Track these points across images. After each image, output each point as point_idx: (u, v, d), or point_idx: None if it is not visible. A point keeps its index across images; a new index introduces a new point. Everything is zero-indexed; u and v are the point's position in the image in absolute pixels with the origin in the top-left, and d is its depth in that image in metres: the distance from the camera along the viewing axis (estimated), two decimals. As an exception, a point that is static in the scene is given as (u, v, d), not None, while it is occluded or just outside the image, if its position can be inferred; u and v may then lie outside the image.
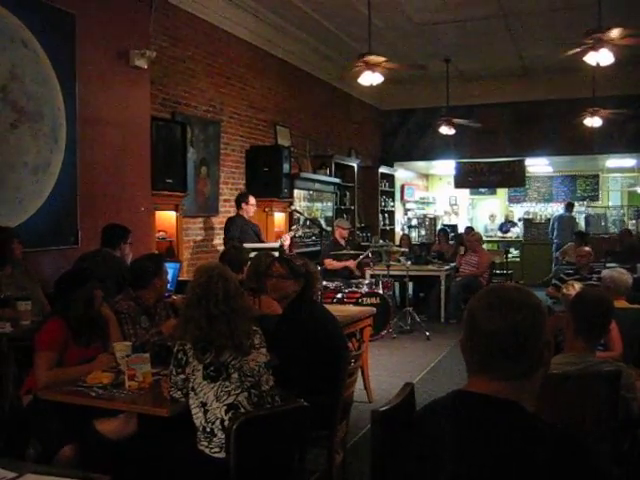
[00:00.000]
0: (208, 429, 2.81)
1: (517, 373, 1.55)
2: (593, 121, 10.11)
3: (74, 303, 3.55)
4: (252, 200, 7.85)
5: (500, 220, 16.59)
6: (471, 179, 14.05)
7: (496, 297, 1.60)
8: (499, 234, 15.96)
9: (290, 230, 8.48)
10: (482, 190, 16.48)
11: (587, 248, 7.36)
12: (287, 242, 8.05)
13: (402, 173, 15.06)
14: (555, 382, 2.78)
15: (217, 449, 2.78)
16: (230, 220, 7.78)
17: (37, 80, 5.16)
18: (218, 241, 8.05)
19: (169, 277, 4.60)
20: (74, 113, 5.48)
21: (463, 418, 1.55)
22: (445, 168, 15.53)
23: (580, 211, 15.32)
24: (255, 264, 4.84)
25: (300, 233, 8.89)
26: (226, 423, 2.76)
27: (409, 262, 9.45)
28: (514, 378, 1.55)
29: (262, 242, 7.72)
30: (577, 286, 4.82)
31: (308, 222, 9.17)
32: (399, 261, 9.60)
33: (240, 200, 7.81)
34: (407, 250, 10.16)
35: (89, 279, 3.68)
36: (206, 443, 2.82)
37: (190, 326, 2.90)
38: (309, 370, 3.50)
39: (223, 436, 2.76)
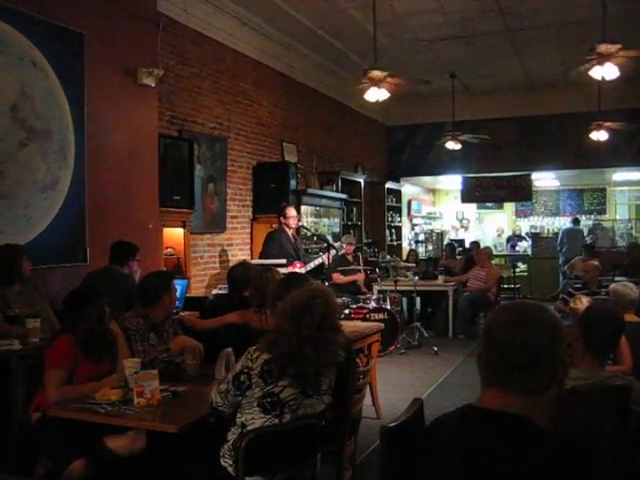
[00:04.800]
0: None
1: (530, 388, 1.55)
2: (599, 135, 10.11)
3: (85, 319, 3.57)
4: (290, 212, 7.67)
5: (508, 234, 16.57)
6: (478, 194, 14.06)
7: (515, 312, 1.62)
8: (507, 248, 15.93)
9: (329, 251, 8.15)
10: (489, 205, 16.50)
11: (594, 262, 7.31)
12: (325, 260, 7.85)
13: (409, 188, 15.08)
14: (564, 397, 2.76)
15: None
16: (269, 235, 7.63)
17: (46, 99, 5.21)
18: (225, 257, 8.06)
19: (177, 294, 4.61)
20: (83, 131, 5.52)
21: (471, 433, 1.55)
22: (452, 183, 15.54)
23: (587, 225, 15.30)
24: (254, 280, 4.84)
25: (342, 251, 8.70)
26: None
27: (417, 277, 9.45)
28: (526, 393, 1.55)
29: (298, 260, 7.55)
30: (585, 300, 4.80)
31: (315, 238, 9.18)
32: (407, 276, 9.59)
33: (279, 214, 7.66)
34: (414, 265, 10.15)
35: (98, 296, 3.70)
36: (230, 461, 2.78)
37: (281, 339, 2.77)
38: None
39: None
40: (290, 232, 7.71)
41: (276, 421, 2.76)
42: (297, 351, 2.73)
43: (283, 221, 7.62)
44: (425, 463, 1.61)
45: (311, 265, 7.61)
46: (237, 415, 2.82)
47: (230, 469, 2.78)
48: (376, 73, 6.73)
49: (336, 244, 8.56)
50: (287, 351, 2.73)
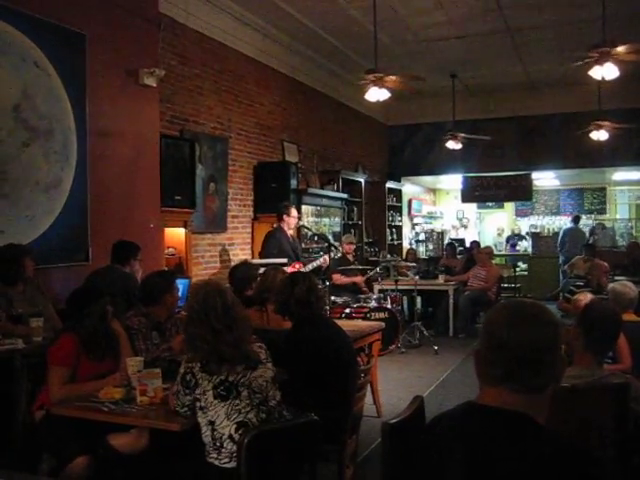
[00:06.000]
0: (218, 443, 2.83)
1: (531, 386, 1.56)
2: (599, 134, 10.11)
3: (87, 318, 3.59)
4: (294, 212, 7.72)
5: (508, 234, 16.57)
6: (478, 193, 14.08)
7: (519, 311, 1.63)
8: (507, 248, 15.93)
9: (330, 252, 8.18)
10: (489, 204, 16.50)
11: (605, 263, 7.39)
12: (325, 263, 7.87)
13: (409, 188, 15.09)
14: (563, 395, 2.78)
15: (227, 459, 2.81)
16: (269, 235, 7.65)
17: (48, 99, 5.23)
18: (227, 257, 8.09)
19: (179, 293, 4.63)
20: (85, 131, 5.54)
21: (473, 430, 1.57)
22: (452, 182, 15.55)
23: (587, 224, 15.30)
24: (263, 279, 4.90)
25: (339, 255, 8.78)
26: (236, 437, 2.78)
27: (417, 277, 9.46)
28: (529, 391, 1.56)
29: (297, 260, 7.58)
30: (589, 296, 4.84)
31: (316, 237, 9.19)
32: (407, 275, 9.61)
33: (281, 211, 7.67)
34: (414, 264, 10.18)
35: (101, 295, 3.73)
36: (215, 455, 2.84)
37: (197, 343, 2.93)
38: (318, 385, 3.51)
39: (230, 446, 2.80)
40: (289, 232, 7.73)
41: (237, 402, 2.85)
42: (217, 342, 2.90)
43: (285, 219, 7.64)
44: (426, 460, 1.62)
45: (309, 267, 7.64)
46: (202, 417, 2.87)
47: (216, 462, 2.83)
48: (375, 75, 6.75)
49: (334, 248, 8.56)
50: (209, 348, 2.89)
